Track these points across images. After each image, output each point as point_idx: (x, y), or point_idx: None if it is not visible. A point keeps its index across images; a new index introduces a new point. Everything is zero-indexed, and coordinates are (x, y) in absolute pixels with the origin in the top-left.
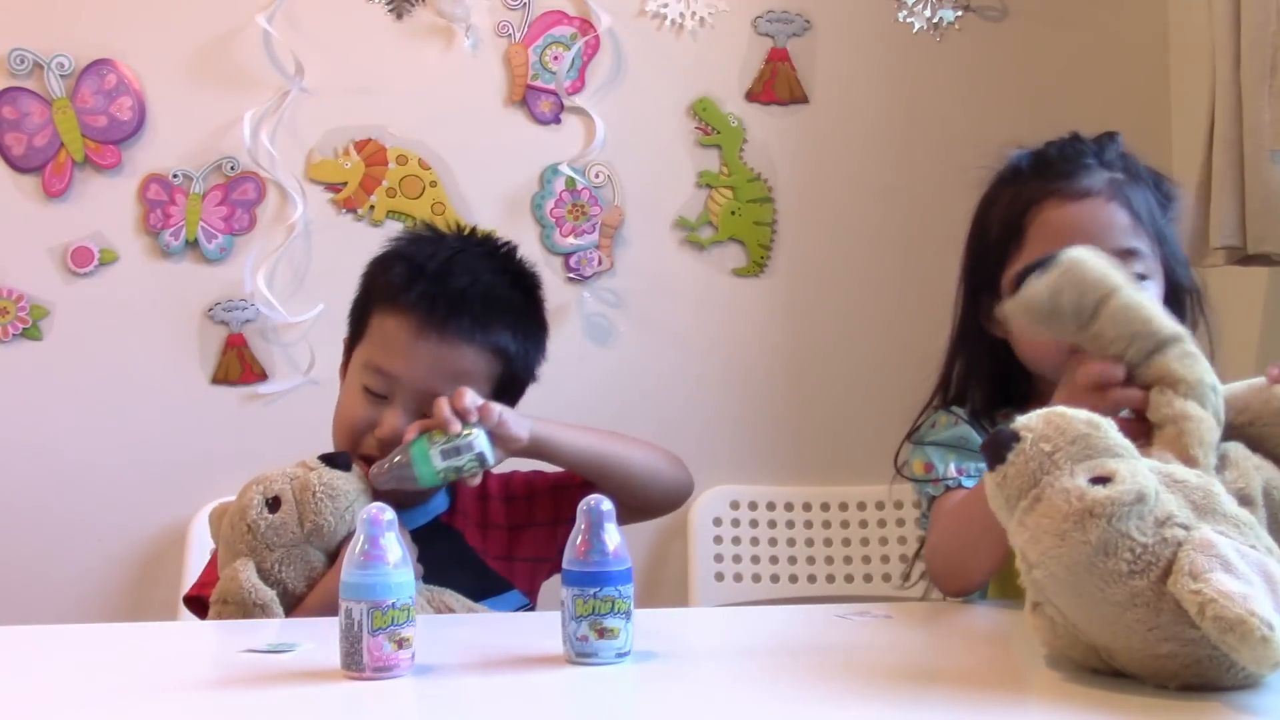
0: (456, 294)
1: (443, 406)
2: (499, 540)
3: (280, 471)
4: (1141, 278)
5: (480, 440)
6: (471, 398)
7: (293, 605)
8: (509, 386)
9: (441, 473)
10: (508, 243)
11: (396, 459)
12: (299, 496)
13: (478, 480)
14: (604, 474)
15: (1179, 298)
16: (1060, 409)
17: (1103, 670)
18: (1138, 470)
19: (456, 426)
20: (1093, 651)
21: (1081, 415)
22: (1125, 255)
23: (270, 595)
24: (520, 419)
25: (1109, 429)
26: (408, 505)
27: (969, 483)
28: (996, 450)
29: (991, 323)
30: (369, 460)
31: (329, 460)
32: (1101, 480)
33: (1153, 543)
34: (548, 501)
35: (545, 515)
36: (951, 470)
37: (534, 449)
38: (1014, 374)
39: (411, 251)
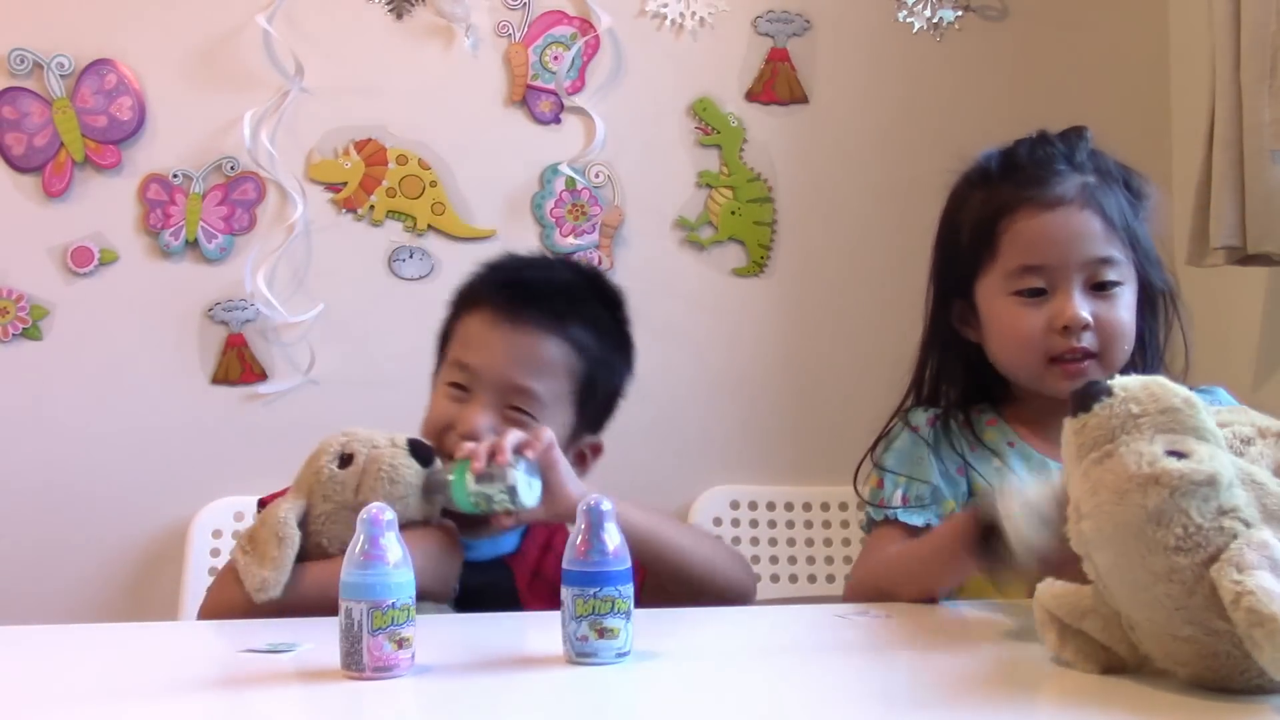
0: (532, 285)
1: (484, 436)
2: (542, 594)
3: (369, 434)
4: (1115, 284)
5: (517, 475)
6: (515, 436)
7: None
8: (591, 390)
9: (473, 496)
10: (592, 265)
11: (442, 467)
12: (367, 466)
13: (510, 521)
14: (657, 559)
15: (1152, 299)
16: (1163, 380)
17: (1110, 667)
18: (1217, 456)
19: (481, 464)
20: (1113, 621)
21: (1180, 391)
22: (1099, 264)
23: (294, 537)
24: (576, 480)
25: (1203, 411)
26: (480, 536)
27: (905, 515)
28: (1084, 399)
29: (964, 325)
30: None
31: (414, 446)
32: (1178, 455)
33: (1209, 527)
34: None
35: None
36: (897, 498)
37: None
38: (987, 374)
39: (493, 263)
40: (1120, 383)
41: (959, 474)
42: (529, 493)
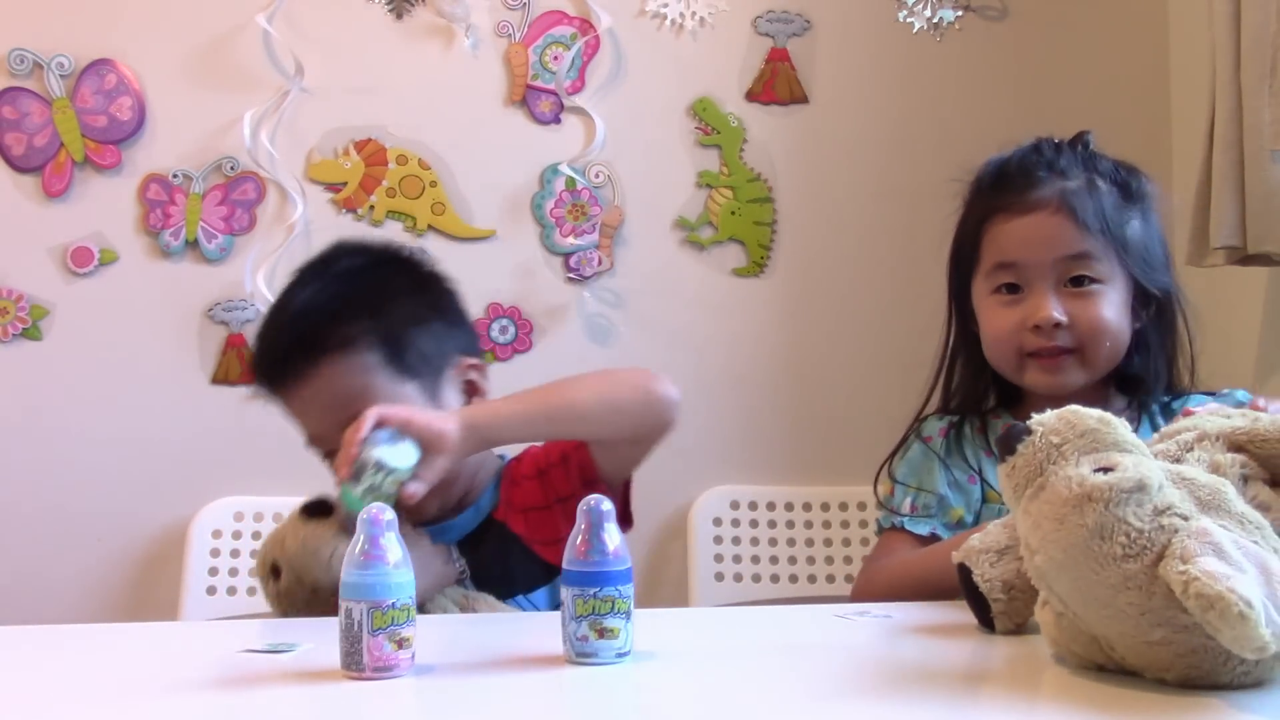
0: (275, 348)
1: (344, 449)
2: (541, 522)
3: (272, 536)
4: (1092, 281)
5: (375, 452)
6: (350, 432)
7: None
8: (398, 350)
9: (362, 498)
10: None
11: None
12: (290, 561)
13: (415, 488)
14: (565, 433)
15: (1149, 301)
16: (1075, 407)
17: (1108, 666)
18: (1142, 463)
19: (345, 470)
20: (1095, 644)
21: (1094, 413)
22: (1072, 261)
23: None
24: (443, 415)
25: (1120, 426)
26: (427, 516)
27: (912, 524)
28: (1008, 443)
29: (974, 326)
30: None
31: (308, 510)
32: (1105, 470)
33: (1149, 529)
34: (559, 474)
35: (566, 488)
36: (906, 506)
37: (475, 438)
38: (1001, 377)
39: (256, 340)
40: (1036, 420)
41: (971, 482)
42: (398, 455)
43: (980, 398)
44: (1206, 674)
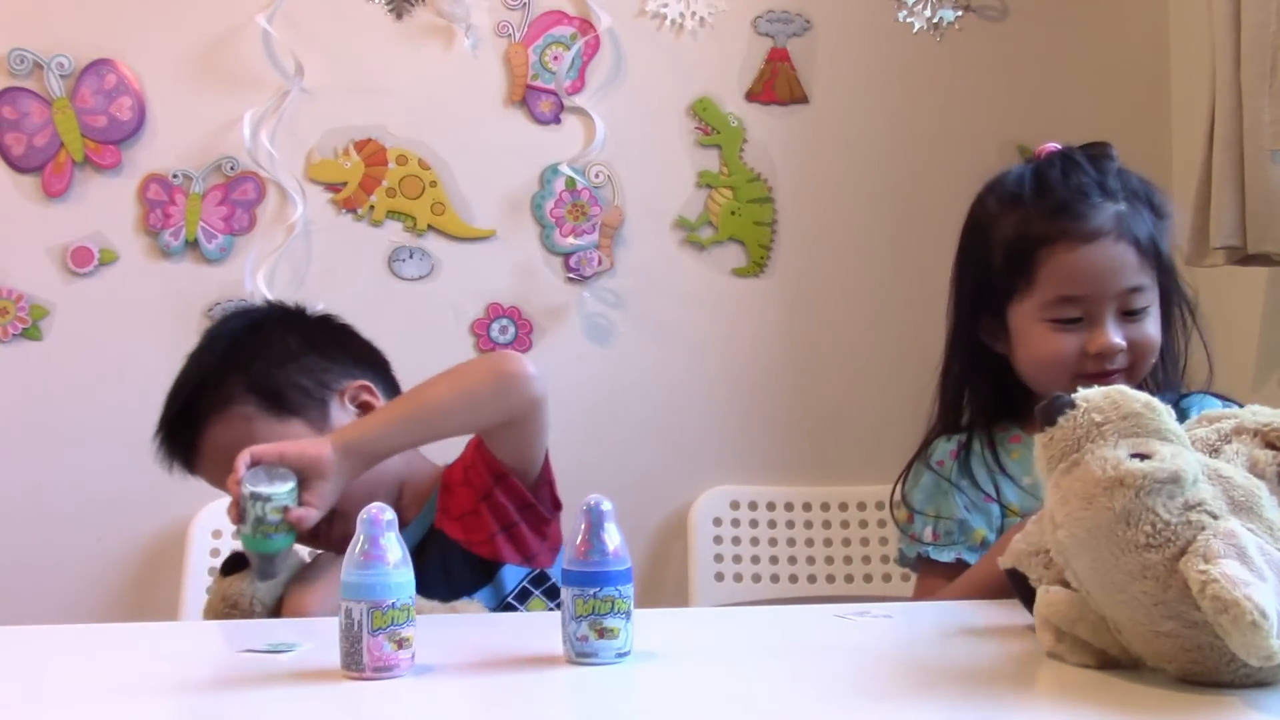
0: (167, 429)
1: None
2: (477, 524)
3: (206, 605)
4: (1145, 307)
5: (248, 488)
6: (231, 476)
7: None
8: (279, 396)
9: (253, 535)
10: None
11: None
12: (219, 619)
13: (302, 513)
14: (434, 433)
15: (1169, 312)
16: (1122, 388)
17: (1105, 661)
18: (1180, 454)
19: (232, 513)
20: (1101, 626)
21: (1140, 396)
22: (1132, 293)
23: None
24: (315, 441)
25: (1164, 414)
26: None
27: (936, 552)
28: (1050, 414)
29: (992, 339)
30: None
31: (225, 568)
32: (1142, 457)
33: (1176, 522)
34: (476, 474)
35: (483, 485)
36: (928, 534)
37: (351, 456)
38: (1013, 388)
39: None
40: (1083, 394)
41: (987, 501)
42: (274, 487)
43: (993, 415)
44: (1209, 671)
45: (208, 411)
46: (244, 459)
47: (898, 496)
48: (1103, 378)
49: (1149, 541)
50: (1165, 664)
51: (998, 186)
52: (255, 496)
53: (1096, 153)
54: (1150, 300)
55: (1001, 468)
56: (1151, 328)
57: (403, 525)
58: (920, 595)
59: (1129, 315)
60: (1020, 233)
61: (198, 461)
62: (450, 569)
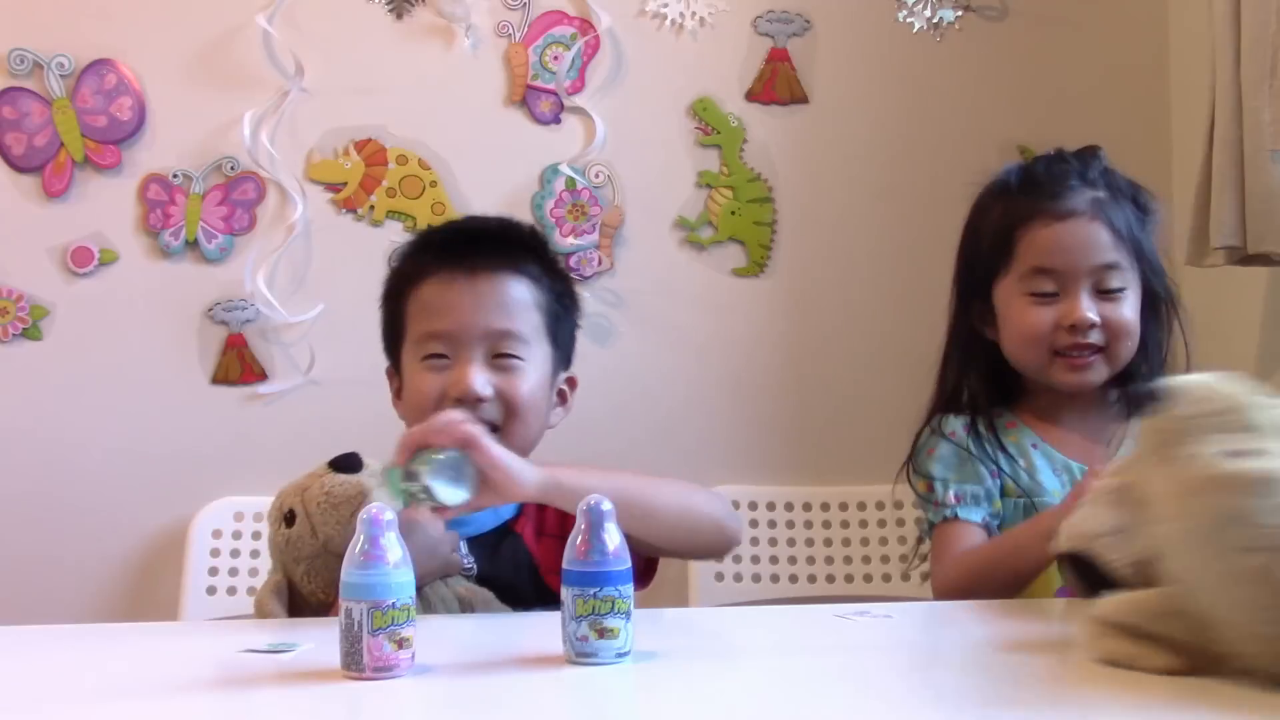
0: (470, 234)
1: (482, 390)
2: (551, 550)
3: (293, 483)
4: (1120, 289)
5: (430, 481)
6: (441, 421)
7: (327, 612)
8: (558, 321)
9: (400, 494)
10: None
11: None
12: (307, 509)
13: (448, 514)
14: (632, 528)
15: (1155, 305)
16: (1220, 379)
17: (1191, 667)
18: (1276, 453)
19: (401, 457)
20: (1197, 624)
21: (1247, 391)
22: (1106, 269)
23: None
24: (530, 467)
25: (1262, 409)
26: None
27: (964, 511)
28: (1152, 402)
29: (983, 324)
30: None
31: (337, 464)
32: (1245, 454)
33: (1272, 525)
34: None
35: None
36: (950, 497)
37: (554, 492)
38: (1006, 373)
39: (415, 241)
40: (1182, 383)
41: (994, 477)
42: (447, 493)
43: (992, 397)
44: None
45: (530, 263)
46: (463, 428)
47: (911, 472)
48: (1078, 355)
49: (1247, 546)
50: (1270, 665)
51: (991, 183)
52: (426, 491)
53: (1084, 151)
54: (1126, 283)
55: (1002, 447)
56: (1127, 311)
57: (479, 507)
58: (942, 550)
59: (1104, 295)
60: (1004, 216)
61: (476, 279)
62: (517, 580)
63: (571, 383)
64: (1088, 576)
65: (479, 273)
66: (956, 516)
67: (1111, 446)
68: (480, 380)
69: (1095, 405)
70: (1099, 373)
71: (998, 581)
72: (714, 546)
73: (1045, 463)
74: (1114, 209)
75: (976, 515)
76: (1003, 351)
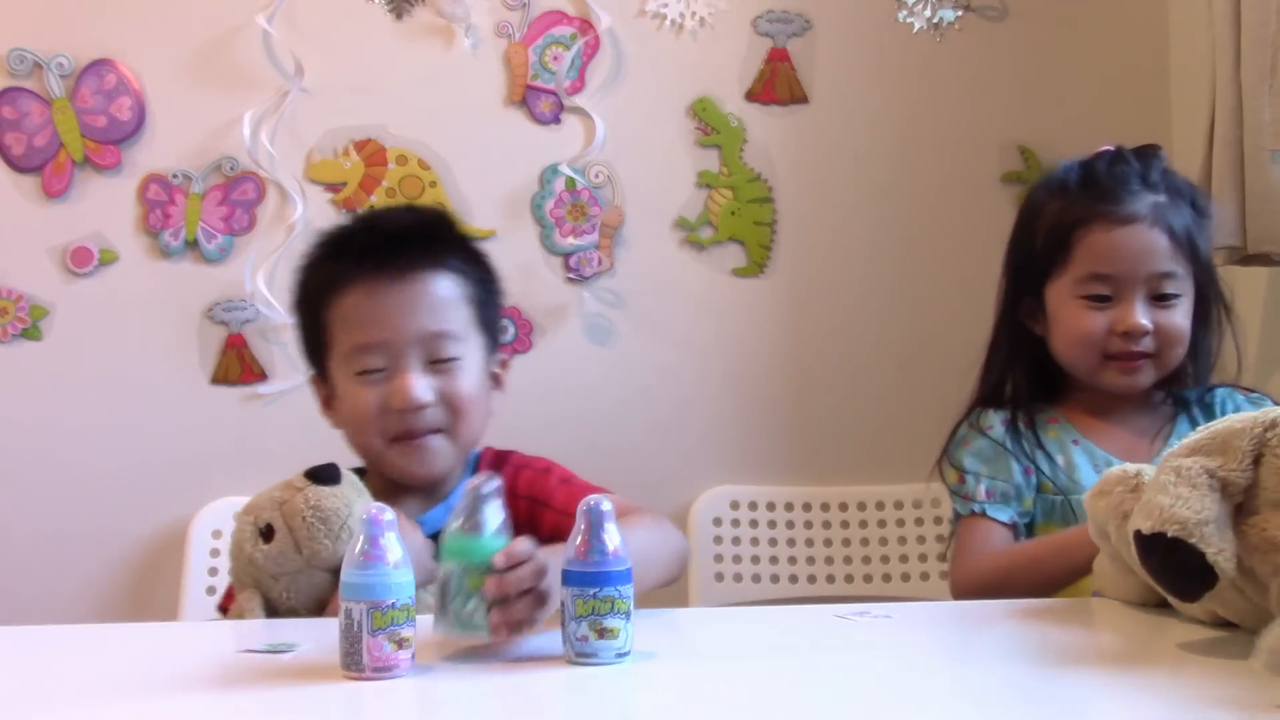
0: (387, 234)
1: (424, 397)
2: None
3: (268, 496)
4: (1175, 296)
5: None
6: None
7: None
8: (487, 309)
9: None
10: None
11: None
12: (290, 523)
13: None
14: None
15: (1205, 307)
16: None
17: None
18: None
19: (462, 524)
20: None
21: None
22: (1163, 278)
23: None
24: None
25: None
26: (431, 504)
27: (993, 509)
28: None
29: (1031, 320)
30: (403, 439)
31: (315, 476)
32: None
33: None
34: (547, 518)
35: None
36: (981, 492)
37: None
38: (1051, 368)
39: (324, 243)
40: None
41: (1028, 474)
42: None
43: (1035, 392)
44: None
45: (446, 259)
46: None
47: (945, 463)
48: (1129, 360)
49: None
50: None
51: (1048, 179)
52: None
53: (1145, 151)
54: (1182, 290)
55: (1040, 445)
56: (1180, 318)
57: (431, 502)
58: (967, 545)
59: (1159, 301)
60: (1061, 215)
61: (396, 287)
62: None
63: (504, 364)
64: (1177, 565)
65: (404, 276)
66: (984, 513)
67: (1155, 444)
68: (421, 387)
69: (1139, 403)
70: (1148, 376)
71: (1015, 592)
72: (664, 582)
73: (1086, 459)
74: (1174, 213)
75: (1004, 514)
76: (1051, 350)
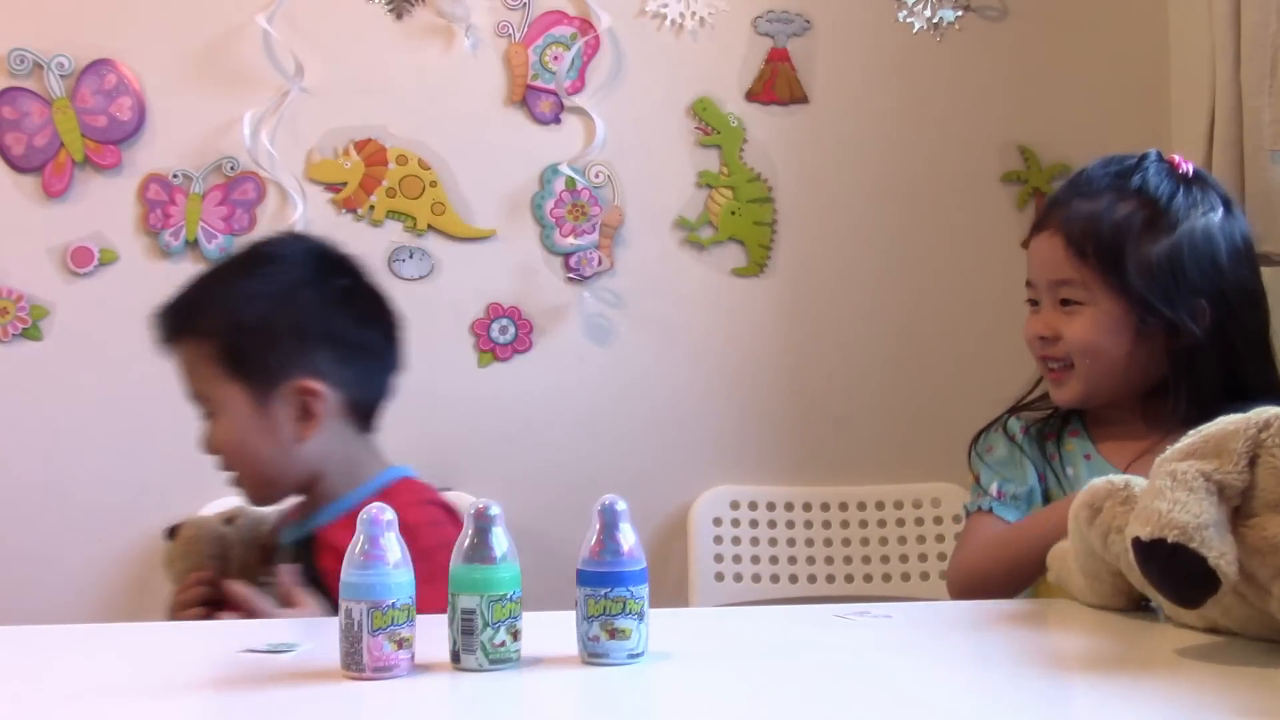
0: (159, 317)
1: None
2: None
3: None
4: (1075, 303)
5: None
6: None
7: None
8: (240, 353)
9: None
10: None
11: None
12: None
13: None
14: None
15: (1146, 323)
16: None
17: None
18: None
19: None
20: None
21: None
22: (1060, 284)
23: None
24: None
25: None
26: (294, 522)
27: (1000, 509)
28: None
29: None
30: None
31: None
32: None
33: None
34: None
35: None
36: (993, 489)
37: None
38: None
39: None
40: None
41: (1042, 480)
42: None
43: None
44: None
45: (184, 330)
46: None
47: (973, 457)
48: (1054, 372)
49: None
50: None
51: None
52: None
53: (1120, 157)
54: (1083, 299)
55: (1048, 456)
56: (1082, 326)
57: (296, 518)
58: (966, 539)
59: (1063, 308)
60: None
61: (175, 358)
62: (315, 588)
63: (305, 390)
64: (1178, 570)
65: (169, 349)
66: (990, 510)
67: None
68: (203, 442)
69: (1153, 418)
70: (1073, 388)
71: (999, 577)
72: None
73: (1094, 475)
74: (1081, 221)
75: (1011, 515)
76: None
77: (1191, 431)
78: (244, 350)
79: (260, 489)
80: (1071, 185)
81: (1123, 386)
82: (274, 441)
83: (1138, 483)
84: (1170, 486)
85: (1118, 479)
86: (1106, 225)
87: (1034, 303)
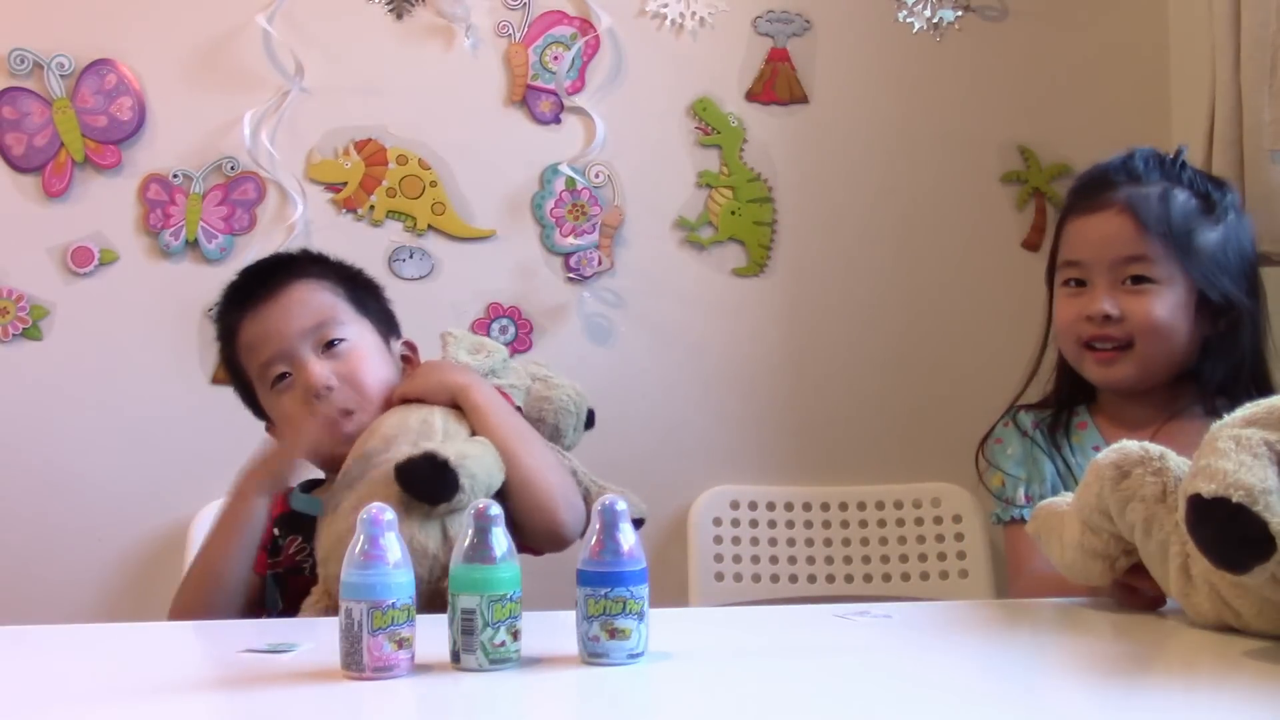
0: (253, 273)
1: (326, 380)
2: None
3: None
4: (1147, 281)
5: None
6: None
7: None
8: (364, 296)
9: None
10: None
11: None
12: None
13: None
14: (509, 465)
15: (1215, 308)
16: None
17: None
18: None
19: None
20: None
21: None
22: (1129, 261)
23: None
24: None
25: None
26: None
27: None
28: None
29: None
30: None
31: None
32: None
33: None
34: None
35: None
36: (1020, 496)
37: (460, 398)
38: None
39: (219, 308)
40: None
41: (1059, 475)
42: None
43: (1074, 394)
44: None
45: (301, 274)
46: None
47: (984, 464)
48: (1104, 351)
49: None
50: None
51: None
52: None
53: (1152, 150)
54: (1157, 277)
55: (1060, 448)
56: (1153, 306)
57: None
58: (1021, 559)
59: (1129, 287)
60: (1063, 211)
61: (270, 310)
62: None
63: (410, 346)
64: (1235, 532)
65: (275, 293)
66: (1023, 519)
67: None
68: (322, 373)
69: (1172, 412)
70: (1125, 369)
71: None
72: (538, 529)
73: None
74: (1151, 202)
75: None
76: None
77: (1253, 403)
78: (364, 299)
79: (371, 417)
80: (1123, 169)
81: (1165, 369)
82: (392, 376)
83: (1172, 457)
84: (1234, 449)
85: (1153, 447)
86: (1177, 207)
87: (1078, 283)
